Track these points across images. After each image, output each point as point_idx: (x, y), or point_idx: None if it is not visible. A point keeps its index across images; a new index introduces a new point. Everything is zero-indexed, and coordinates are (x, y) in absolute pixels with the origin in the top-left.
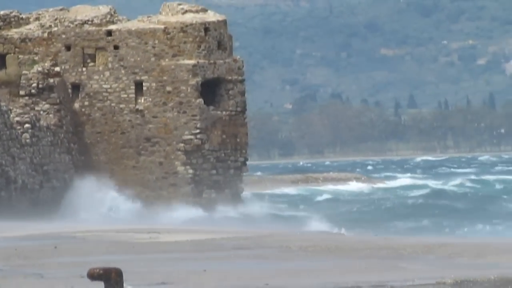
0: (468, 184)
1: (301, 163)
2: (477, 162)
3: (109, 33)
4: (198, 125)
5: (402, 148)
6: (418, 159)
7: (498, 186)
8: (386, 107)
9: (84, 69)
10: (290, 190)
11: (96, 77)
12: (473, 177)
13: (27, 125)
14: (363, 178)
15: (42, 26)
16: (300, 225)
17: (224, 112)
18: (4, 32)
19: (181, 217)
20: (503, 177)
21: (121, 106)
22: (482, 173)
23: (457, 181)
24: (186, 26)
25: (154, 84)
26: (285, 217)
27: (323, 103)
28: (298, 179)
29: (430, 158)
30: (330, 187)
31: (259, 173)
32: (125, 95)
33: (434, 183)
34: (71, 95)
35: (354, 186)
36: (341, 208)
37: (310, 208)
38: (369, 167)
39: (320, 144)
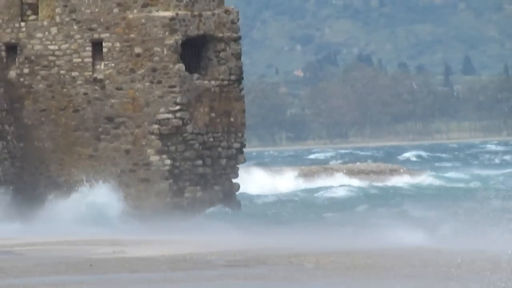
0: None
1: (315, 149)
2: None
3: None
4: (178, 100)
5: (454, 129)
6: (477, 143)
7: None
8: (433, 74)
9: (22, 24)
10: (301, 184)
11: (39, 34)
12: None
13: None
14: (402, 171)
15: None
16: (312, 234)
17: (213, 82)
18: None
19: (155, 222)
20: None
21: (74, 74)
22: None
23: None
24: None
25: (117, 45)
26: (293, 221)
27: (347, 69)
28: (312, 171)
29: (493, 142)
30: (356, 182)
31: (260, 163)
32: (79, 60)
33: None
34: (5, 60)
35: (391, 180)
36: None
37: (325, 211)
38: (409, 155)
39: (342, 125)
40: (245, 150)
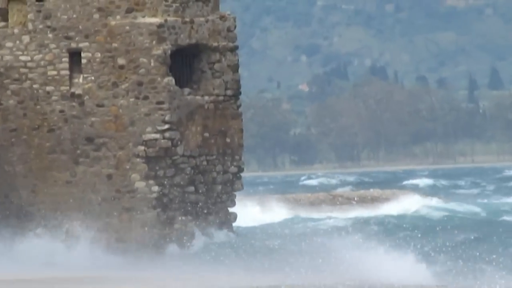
0: None
1: (319, 174)
2: None
3: None
4: (167, 118)
5: (480, 151)
6: (506, 167)
7: None
8: (456, 88)
9: None
10: (309, 213)
11: (9, 44)
12: None
13: None
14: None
15: None
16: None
17: (206, 98)
18: None
19: (140, 257)
20: None
21: (48, 89)
22: None
23: None
24: None
25: (98, 55)
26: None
27: (358, 83)
28: (320, 199)
29: None
30: (369, 211)
31: (260, 189)
32: (54, 72)
33: None
34: None
35: (407, 205)
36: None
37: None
38: (428, 181)
39: (353, 145)
40: (243, 175)
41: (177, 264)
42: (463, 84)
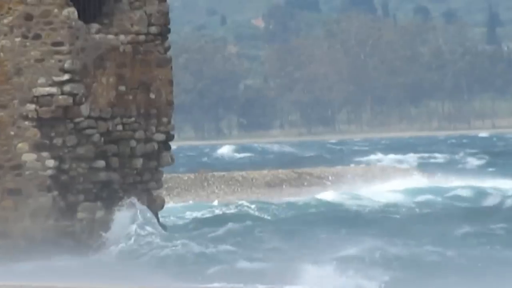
0: None
1: (280, 143)
2: None
3: None
4: (67, 65)
5: (503, 111)
6: None
7: None
8: (470, 24)
9: None
10: (267, 197)
11: None
12: None
13: None
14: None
15: None
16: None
17: (122, 37)
18: None
19: (30, 259)
20: None
21: None
22: None
23: None
24: None
25: None
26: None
27: (333, 16)
28: (280, 177)
29: None
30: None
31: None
32: None
33: None
34: None
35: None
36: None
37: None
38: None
39: (326, 104)
40: (173, 144)
41: (79, 268)
42: (480, 19)
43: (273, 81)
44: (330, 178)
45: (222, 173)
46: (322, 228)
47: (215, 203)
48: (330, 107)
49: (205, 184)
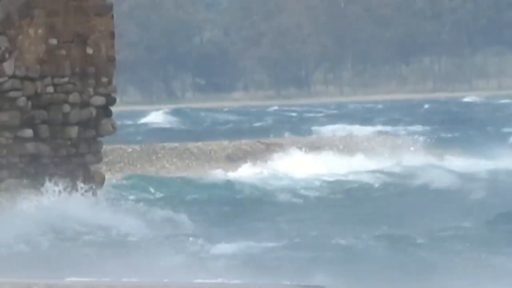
0: None
1: (243, 107)
2: None
3: None
4: None
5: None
6: None
7: None
8: None
9: None
10: (221, 175)
11: None
12: None
13: None
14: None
15: None
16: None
17: None
18: None
19: None
20: None
21: None
22: None
23: None
24: None
25: None
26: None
27: None
28: (243, 149)
29: None
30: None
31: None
32: None
33: None
34: None
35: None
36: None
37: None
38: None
39: (299, 61)
40: (114, 110)
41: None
42: None
43: (236, 33)
44: (304, 149)
45: (175, 145)
46: None
47: None
48: (303, 65)
49: (154, 157)
